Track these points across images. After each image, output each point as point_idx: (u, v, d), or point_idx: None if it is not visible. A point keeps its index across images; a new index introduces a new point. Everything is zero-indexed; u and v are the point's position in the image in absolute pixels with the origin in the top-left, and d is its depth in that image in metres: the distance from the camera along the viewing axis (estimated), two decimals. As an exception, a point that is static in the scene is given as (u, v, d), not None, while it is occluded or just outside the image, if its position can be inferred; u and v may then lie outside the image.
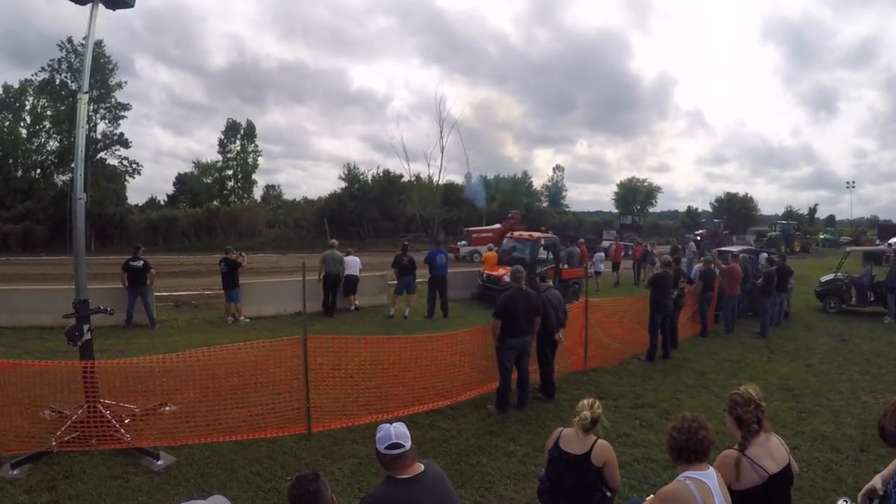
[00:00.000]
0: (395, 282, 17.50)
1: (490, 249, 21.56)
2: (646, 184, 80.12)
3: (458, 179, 63.61)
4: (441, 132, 57.92)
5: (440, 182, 58.34)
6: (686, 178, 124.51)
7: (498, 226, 40.97)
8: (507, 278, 16.54)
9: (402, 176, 59.66)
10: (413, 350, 9.45)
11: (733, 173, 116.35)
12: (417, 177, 61.03)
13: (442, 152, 57.03)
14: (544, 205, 71.28)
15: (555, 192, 77.38)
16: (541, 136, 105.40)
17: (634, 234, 45.79)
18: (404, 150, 62.60)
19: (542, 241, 19.94)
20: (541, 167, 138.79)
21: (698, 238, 42.18)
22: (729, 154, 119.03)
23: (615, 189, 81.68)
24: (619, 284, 25.65)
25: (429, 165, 69.01)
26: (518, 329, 9.02)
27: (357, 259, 17.96)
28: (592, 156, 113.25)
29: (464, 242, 39.55)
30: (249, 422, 7.67)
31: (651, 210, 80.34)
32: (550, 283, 10.68)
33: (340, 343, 8.91)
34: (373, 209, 54.70)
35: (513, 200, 58.75)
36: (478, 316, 16.12)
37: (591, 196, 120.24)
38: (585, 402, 4.81)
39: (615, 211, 75.73)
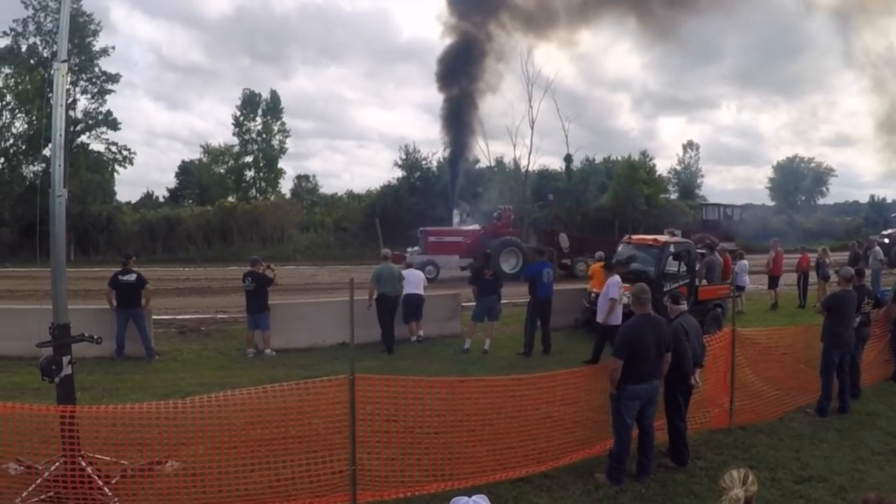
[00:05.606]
0: (473, 303, 17.39)
1: (600, 259, 21.08)
2: (812, 165, 78.18)
3: (554, 164, 62.70)
4: (530, 98, 55.39)
5: (531, 167, 57.64)
6: (874, 155, 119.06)
7: (476, 226, 38.62)
8: (625, 299, 16.28)
9: (478, 160, 59.11)
10: (496, 396, 9.38)
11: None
12: (500, 161, 60.60)
13: (532, 127, 55.34)
14: (672, 196, 69.52)
15: (687, 178, 75.88)
16: (669, 98, 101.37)
17: (715, 234, 39.85)
18: (481, 125, 60.75)
19: (672, 248, 19.52)
20: (668, 143, 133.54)
21: (887, 241, 40.18)
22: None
23: (770, 173, 79.96)
24: (779, 307, 25.01)
25: (514, 145, 66.70)
26: (645, 371, 8.87)
27: (420, 274, 18.09)
28: (741, 126, 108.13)
29: (415, 249, 36.50)
30: (276, 487, 7.68)
31: (821, 202, 78.25)
32: (685, 305, 10.43)
33: (398, 386, 8.80)
34: (440, 206, 54.11)
35: (629, 190, 57.37)
36: (582, 350, 15.95)
37: (737, 183, 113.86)
38: (735, 474, 4.57)
39: (770, 203, 73.78)
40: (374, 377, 8.70)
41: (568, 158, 60.02)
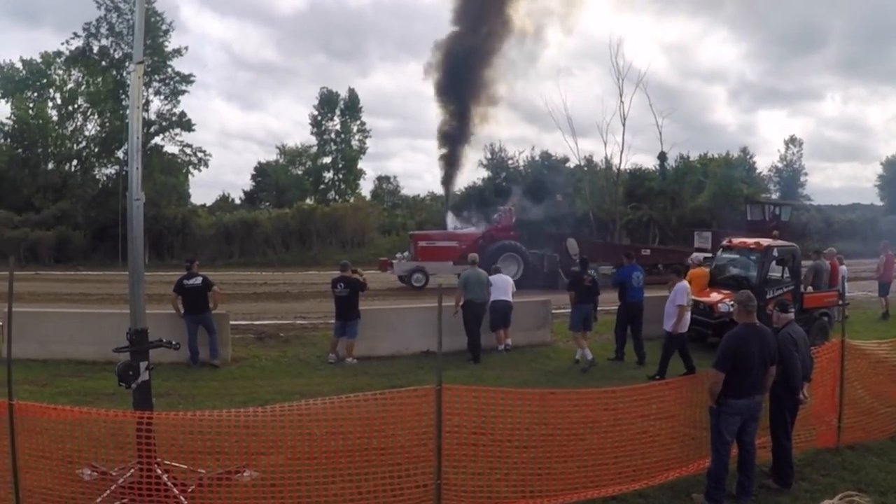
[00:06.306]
0: (562, 311, 17.09)
1: (700, 264, 20.61)
2: None
3: (647, 162, 61.52)
4: (620, 93, 53.79)
5: (623, 166, 56.54)
6: None
7: (472, 229, 37.48)
8: (724, 307, 15.90)
9: (567, 159, 59.02)
10: (588, 410, 9.22)
11: None
12: (589, 160, 60.11)
13: (623, 123, 53.82)
14: (774, 196, 67.07)
15: (789, 176, 73.97)
16: (768, 89, 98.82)
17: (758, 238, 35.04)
18: (569, 121, 58.43)
19: (775, 253, 19.11)
20: (768, 139, 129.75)
21: None
22: None
23: (879, 170, 77.63)
24: (889, 317, 24.16)
25: (605, 143, 64.99)
26: (749, 385, 8.62)
27: (509, 279, 17.98)
28: (847, 118, 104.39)
29: (404, 255, 35.67)
30: (357, 501, 7.66)
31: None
32: (793, 314, 10.13)
33: (486, 397, 8.73)
34: (528, 207, 53.66)
35: (727, 190, 56.08)
36: (678, 361, 15.65)
37: (844, 181, 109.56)
38: (840, 499, 4.36)
39: (879, 203, 71.45)
40: (460, 387, 8.60)
41: (662, 156, 58.94)
